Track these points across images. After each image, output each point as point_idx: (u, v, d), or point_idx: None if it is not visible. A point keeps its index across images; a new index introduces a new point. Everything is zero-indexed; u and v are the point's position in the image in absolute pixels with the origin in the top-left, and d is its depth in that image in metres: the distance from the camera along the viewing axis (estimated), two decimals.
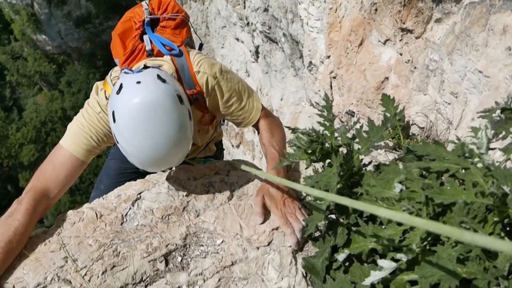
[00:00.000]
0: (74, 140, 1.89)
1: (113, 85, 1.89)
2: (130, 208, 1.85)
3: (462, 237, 0.98)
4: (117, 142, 1.73)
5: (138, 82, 1.67)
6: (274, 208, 1.79)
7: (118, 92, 1.68)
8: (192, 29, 2.25)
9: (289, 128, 1.78)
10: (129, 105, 1.63)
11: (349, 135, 1.84)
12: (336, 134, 1.76)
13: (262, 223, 1.78)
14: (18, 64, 32.48)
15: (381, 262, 1.50)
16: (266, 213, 1.81)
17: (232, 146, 7.28)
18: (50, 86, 31.96)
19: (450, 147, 1.77)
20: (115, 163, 2.57)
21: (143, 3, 2.14)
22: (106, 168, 2.64)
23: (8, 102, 32.43)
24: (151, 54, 2.00)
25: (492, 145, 1.74)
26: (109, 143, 2.01)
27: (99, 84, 2.01)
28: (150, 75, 1.71)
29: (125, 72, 1.81)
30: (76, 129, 1.91)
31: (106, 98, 1.90)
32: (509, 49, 1.71)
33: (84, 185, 26.80)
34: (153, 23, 2.09)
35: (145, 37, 2.03)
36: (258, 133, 2.15)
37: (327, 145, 1.70)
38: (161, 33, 2.07)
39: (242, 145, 6.94)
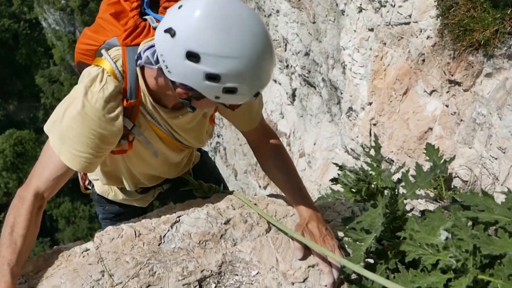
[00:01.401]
0: (58, 142, 1.66)
1: (115, 62, 1.67)
2: (168, 230, 1.86)
3: None
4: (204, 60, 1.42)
5: None
6: (314, 245, 1.74)
7: (179, 7, 1.46)
8: None
9: (336, 165, 1.78)
10: (200, 11, 1.40)
11: (394, 179, 1.83)
12: (384, 177, 1.76)
13: (302, 259, 1.75)
14: (54, 88, 33.52)
15: None
16: (306, 249, 1.78)
17: (259, 187, 7.27)
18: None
19: (498, 201, 1.74)
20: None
21: None
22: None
23: (40, 124, 33.31)
24: None
25: None
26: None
27: (92, 68, 1.69)
28: None
29: None
30: (59, 131, 1.65)
31: (101, 81, 1.65)
32: None
33: None
34: (152, 4, 1.84)
35: (148, 16, 1.78)
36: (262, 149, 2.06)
37: (373, 185, 1.70)
38: (164, 14, 1.77)
39: (269, 187, 6.94)
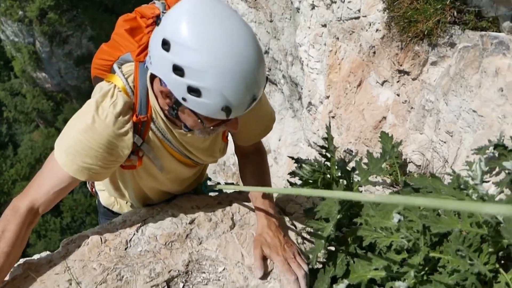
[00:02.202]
0: (65, 154, 1.63)
1: (126, 79, 1.69)
2: (134, 234, 1.89)
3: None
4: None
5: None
6: (275, 256, 1.76)
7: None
8: None
9: (292, 158, 1.85)
10: (185, 5, 1.40)
11: (349, 168, 1.91)
12: (338, 166, 1.83)
13: (262, 277, 1.74)
14: (16, 101, 32.73)
15: None
16: (265, 265, 1.78)
17: None
18: (47, 123, 32.13)
19: (446, 182, 1.83)
20: None
21: (155, 1, 1.90)
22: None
23: (3, 138, 32.50)
24: None
25: (488, 180, 1.81)
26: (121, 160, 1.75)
27: (104, 83, 1.71)
28: None
29: None
30: (68, 144, 1.64)
31: (112, 96, 1.66)
32: (501, 90, 1.82)
33: (75, 224, 26.53)
34: None
35: None
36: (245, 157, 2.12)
37: (328, 175, 1.77)
38: None
39: None
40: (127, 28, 1.80)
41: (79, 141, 1.61)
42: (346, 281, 1.66)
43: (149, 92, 1.69)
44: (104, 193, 2.28)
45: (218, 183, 2.20)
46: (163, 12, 1.80)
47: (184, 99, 1.45)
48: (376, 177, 2.34)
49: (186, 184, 2.17)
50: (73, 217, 26.30)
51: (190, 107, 1.48)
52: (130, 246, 1.85)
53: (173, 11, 1.42)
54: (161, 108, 1.71)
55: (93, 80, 1.97)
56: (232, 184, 2.19)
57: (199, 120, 1.55)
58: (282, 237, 1.81)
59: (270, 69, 5.48)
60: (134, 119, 1.69)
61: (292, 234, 1.95)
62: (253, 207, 1.98)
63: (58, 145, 1.66)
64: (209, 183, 2.23)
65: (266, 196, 1.93)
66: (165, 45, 1.40)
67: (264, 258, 1.78)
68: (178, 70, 1.39)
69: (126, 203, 2.25)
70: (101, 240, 1.85)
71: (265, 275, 1.74)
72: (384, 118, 2.64)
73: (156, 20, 1.78)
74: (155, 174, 1.94)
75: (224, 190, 2.29)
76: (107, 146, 1.63)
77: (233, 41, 1.37)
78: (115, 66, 1.73)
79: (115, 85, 1.67)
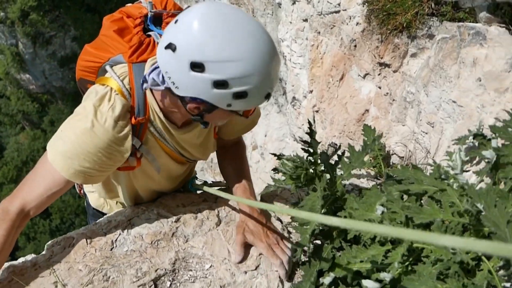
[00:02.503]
0: (62, 158, 1.61)
1: (122, 81, 1.66)
2: (120, 234, 1.89)
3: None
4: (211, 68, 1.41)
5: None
6: (259, 242, 1.80)
7: (176, 22, 1.46)
8: None
9: (274, 155, 1.85)
10: (203, 10, 1.41)
11: (332, 161, 1.92)
12: (320, 161, 1.84)
13: (240, 262, 1.78)
14: (0, 103, 32.35)
15: (365, 282, 1.55)
16: (245, 252, 1.81)
17: None
18: (33, 125, 31.80)
19: (428, 172, 1.86)
20: None
21: (142, 0, 1.91)
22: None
23: None
24: None
25: (469, 170, 1.84)
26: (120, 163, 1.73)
27: (98, 87, 1.68)
28: None
29: None
30: (65, 147, 1.60)
31: (110, 100, 1.64)
32: (479, 80, 1.84)
33: (65, 226, 26.35)
34: (155, 20, 1.85)
35: (152, 32, 1.78)
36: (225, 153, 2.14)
37: (311, 170, 1.78)
38: None
39: None
40: (115, 29, 1.77)
41: (78, 146, 1.58)
42: (332, 274, 1.68)
43: (147, 94, 1.69)
44: (94, 195, 2.27)
45: (205, 182, 2.21)
46: (150, 12, 1.82)
47: (229, 105, 1.49)
48: (360, 170, 2.36)
49: (177, 181, 2.18)
50: (62, 218, 26.08)
51: (233, 109, 1.53)
52: (116, 246, 1.85)
53: (187, 30, 1.41)
54: (160, 109, 1.72)
55: (78, 82, 1.95)
56: (220, 183, 2.19)
57: (232, 114, 1.61)
58: (264, 224, 1.84)
59: None
60: (133, 122, 1.68)
61: (278, 229, 1.97)
62: (237, 203, 2.00)
63: (53, 148, 1.63)
64: (196, 182, 2.23)
65: (247, 186, 1.96)
66: (198, 67, 1.40)
67: (245, 245, 1.81)
68: (220, 85, 1.42)
69: (116, 203, 2.24)
70: (87, 241, 1.85)
71: (241, 261, 1.78)
72: (367, 111, 2.66)
73: (144, 20, 1.80)
74: (151, 174, 1.94)
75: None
76: (106, 150, 1.61)
77: (258, 39, 1.42)
78: (108, 68, 1.71)
79: (111, 88, 1.64)
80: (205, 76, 1.41)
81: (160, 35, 1.71)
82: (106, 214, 2.25)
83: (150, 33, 1.79)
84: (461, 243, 0.68)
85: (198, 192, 2.24)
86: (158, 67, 1.56)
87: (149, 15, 1.82)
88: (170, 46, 1.43)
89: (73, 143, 1.58)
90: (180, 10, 1.89)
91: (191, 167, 2.21)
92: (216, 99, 1.47)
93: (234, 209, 2.07)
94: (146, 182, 2.00)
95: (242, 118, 1.86)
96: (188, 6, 1.51)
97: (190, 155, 1.97)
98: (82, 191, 2.38)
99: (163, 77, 1.53)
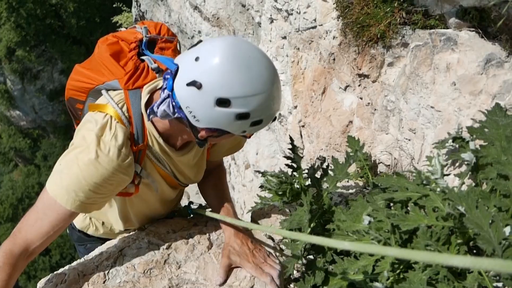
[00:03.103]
0: (66, 192, 1.60)
1: (120, 108, 1.69)
2: (112, 266, 1.88)
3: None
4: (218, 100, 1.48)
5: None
6: (246, 263, 1.81)
7: (197, 59, 1.50)
8: None
9: (259, 172, 1.87)
10: (223, 47, 1.49)
11: (318, 175, 1.94)
12: (305, 176, 1.86)
13: (222, 284, 1.80)
14: None
15: None
16: (229, 273, 1.84)
17: None
18: (26, 161, 31.66)
19: (412, 179, 1.87)
20: None
21: (136, 26, 1.96)
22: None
23: None
24: (159, 71, 1.81)
25: (450, 173, 1.86)
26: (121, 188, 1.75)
27: (96, 115, 1.67)
28: None
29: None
30: (69, 180, 1.60)
31: (111, 129, 1.64)
32: (454, 84, 1.87)
33: (65, 261, 26.07)
34: (149, 45, 1.90)
35: (146, 57, 1.83)
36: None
37: (296, 185, 1.79)
38: (161, 55, 1.88)
39: None
40: (111, 53, 1.80)
41: (82, 178, 1.59)
42: None
43: (144, 120, 1.72)
44: (79, 215, 2.20)
45: (201, 205, 2.22)
46: (146, 37, 1.88)
47: (243, 131, 1.58)
48: (348, 181, 2.37)
49: (170, 206, 2.19)
50: (61, 254, 25.81)
51: (247, 133, 1.63)
52: (109, 278, 1.84)
53: (211, 68, 1.47)
54: (160, 134, 1.75)
55: (67, 101, 1.97)
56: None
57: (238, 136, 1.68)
58: (250, 244, 1.85)
59: None
60: (133, 149, 1.70)
61: (269, 247, 1.97)
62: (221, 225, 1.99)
63: (54, 184, 1.62)
64: (192, 206, 2.23)
65: (229, 206, 1.98)
66: (224, 103, 1.47)
67: (230, 267, 1.83)
68: (243, 117, 1.51)
69: (102, 224, 2.21)
70: (79, 276, 1.84)
71: (223, 284, 1.80)
72: (351, 122, 2.69)
73: (139, 45, 1.85)
74: (147, 199, 1.96)
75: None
76: (112, 179, 1.63)
77: (271, 72, 1.53)
78: (105, 93, 1.74)
79: (111, 116, 1.66)
80: (230, 110, 1.48)
81: (154, 60, 1.81)
82: (91, 236, 2.25)
83: (143, 57, 1.83)
84: (469, 263, 0.70)
85: (189, 217, 2.24)
86: (166, 97, 1.59)
87: (144, 40, 1.87)
88: (195, 84, 1.47)
89: (77, 175, 1.58)
90: (173, 36, 1.98)
91: (181, 192, 2.23)
92: (235, 128, 1.56)
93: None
94: (141, 207, 2.01)
95: (231, 139, 1.91)
96: (200, 41, 1.59)
97: (184, 178, 1.99)
98: None
99: (173, 107, 1.57)
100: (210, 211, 2.05)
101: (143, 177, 1.82)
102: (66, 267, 1.92)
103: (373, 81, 2.44)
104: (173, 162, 1.86)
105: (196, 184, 2.18)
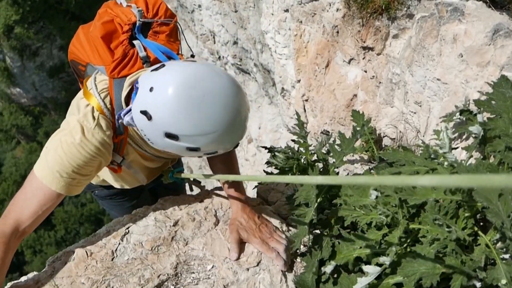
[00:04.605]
0: (51, 172, 1.64)
1: (103, 100, 1.71)
2: (119, 243, 1.89)
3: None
4: (167, 135, 1.51)
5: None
6: (253, 238, 1.82)
7: (151, 90, 1.50)
8: (183, 36, 2.03)
9: (265, 148, 1.86)
10: (179, 79, 1.47)
11: (324, 150, 1.93)
12: (312, 151, 1.85)
13: (237, 258, 1.82)
14: None
15: (366, 268, 1.56)
16: (241, 247, 1.85)
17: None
18: (28, 138, 31.69)
19: (418, 153, 1.86)
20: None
21: (132, 4, 1.89)
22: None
23: None
24: (147, 61, 1.79)
25: (458, 146, 1.84)
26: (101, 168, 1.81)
27: (81, 102, 1.72)
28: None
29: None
30: (54, 162, 1.64)
31: (94, 118, 1.68)
32: (461, 56, 1.84)
33: (70, 236, 26.36)
34: (144, 27, 1.85)
35: (137, 43, 1.79)
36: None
37: (303, 160, 1.78)
38: (154, 40, 1.85)
39: None
40: (102, 35, 1.77)
41: (66, 160, 1.63)
42: (333, 263, 1.69)
43: None
44: None
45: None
46: (139, 21, 1.82)
47: (200, 156, 1.66)
48: (353, 156, 2.37)
49: (160, 171, 2.26)
50: (66, 229, 26.07)
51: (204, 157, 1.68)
52: (117, 256, 1.86)
53: (161, 104, 1.46)
54: None
55: (70, 62, 2.01)
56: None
57: None
58: (257, 219, 1.87)
59: (241, 59, 5.47)
60: (114, 140, 1.75)
61: (276, 222, 1.98)
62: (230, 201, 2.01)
63: (41, 165, 1.67)
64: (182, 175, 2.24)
65: (236, 182, 1.98)
66: (173, 137, 1.50)
67: (241, 241, 1.84)
68: (193, 150, 1.54)
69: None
70: (87, 254, 1.85)
71: (239, 258, 1.83)
72: (355, 95, 2.66)
73: (132, 28, 1.81)
74: (133, 173, 2.04)
75: (203, 183, 2.33)
76: (93, 161, 1.69)
77: (228, 109, 1.50)
78: (92, 82, 1.75)
79: (92, 107, 1.69)
80: (179, 144, 1.52)
81: (144, 47, 1.79)
82: (111, 186, 2.29)
83: (134, 42, 1.80)
84: (436, 181, 0.71)
85: (193, 193, 2.25)
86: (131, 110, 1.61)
87: (137, 24, 1.82)
88: (146, 114, 1.50)
89: (62, 158, 1.63)
90: (171, 17, 1.93)
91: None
92: (188, 155, 1.63)
93: (231, 207, 2.08)
94: (129, 178, 2.11)
95: None
96: (163, 65, 1.56)
97: (168, 154, 1.98)
98: None
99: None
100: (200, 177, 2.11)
101: (125, 167, 1.90)
102: (74, 245, 1.94)
103: (378, 54, 2.41)
104: (153, 148, 1.87)
105: (197, 159, 2.22)
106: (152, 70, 1.56)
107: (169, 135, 1.49)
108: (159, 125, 1.49)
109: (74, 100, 1.77)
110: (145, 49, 1.79)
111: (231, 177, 1.83)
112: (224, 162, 2.09)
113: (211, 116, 1.47)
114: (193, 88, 1.46)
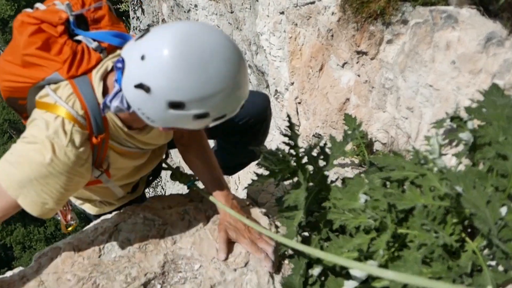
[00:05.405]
0: (18, 186, 1.50)
1: (72, 107, 1.51)
2: (107, 241, 1.88)
3: None
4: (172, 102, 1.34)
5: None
6: (242, 238, 1.81)
7: (143, 58, 1.33)
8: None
9: (256, 149, 1.86)
10: (173, 41, 1.31)
11: (315, 153, 1.93)
12: (302, 153, 1.85)
13: (226, 259, 1.80)
14: None
15: (353, 271, 1.56)
16: (229, 248, 1.83)
17: None
18: (20, 133, 31.27)
19: (409, 158, 1.87)
20: None
21: (55, 2, 1.66)
22: None
23: None
24: (102, 50, 1.61)
25: (448, 152, 1.85)
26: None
27: (46, 116, 1.51)
28: None
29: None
30: (21, 179, 1.49)
31: (65, 133, 1.50)
32: (454, 63, 1.85)
33: (60, 232, 26.19)
34: (79, 21, 1.64)
35: (81, 37, 1.61)
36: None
37: (293, 163, 1.78)
38: (97, 28, 1.67)
39: None
40: (38, 46, 1.55)
41: (34, 178, 1.49)
42: (320, 266, 1.69)
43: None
44: (87, 205, 2.20)
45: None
46: (71, 15, 1.62)
47: (206, 126, 1.48)
48: (344, 159, 2.37)
49: (152, 162, 2.08)
50: (56, 225, 25.94)
51: (209, 126, 1.49)
52: (104, 253, 1.85)
53: (159, 70, 1.31)
54: (122, 121, 1.64)
55: (6, 100, 1.75)
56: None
57: None
58: (246, 219, 1.84)
59: None
60: (94, 142, 1.59)
61: (265, 224, 1.97)
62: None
63: (6, 173, 1.50)
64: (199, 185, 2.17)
65: (220, 180, 1.94)
66: (178, 106, 1.35)
67: (229, 242, 1.83)
68: (202, 116, 1.39)
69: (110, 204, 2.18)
70: (74, 250, 1.84)
71: (227, 258, 1.81)
72: (348, 99, 2.67)
73: (67, 26, 1.61)
74: (124, 168, 1.90)
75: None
76: (66, 184, 1.54)
77: (232, 64, 1.36)
78: (51, 93, 1.54)
79: (62, 118, 1.50)
80: (186, 112, 1.37)
81: (92, 39, 1.61)
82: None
83: (79, 37, 1.62)
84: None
85: (184, 192, 2.24)
86: (118, 91, 1.44)
87: (71, 19, 1.62)
88: (142, 87, 1.34)
89: (29, 176, 1.49)
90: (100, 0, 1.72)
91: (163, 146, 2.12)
92: (195, 126, 1.46)
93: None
94: (120, 176, 1.94)
95: None
96: (148, 29, 1.39)
97: (154, 145, 1.92)
98: (68, 218, 2.12)
99: (127, 102, 1.44)
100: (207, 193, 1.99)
101: (104, 182, 1.78)
102: (61, 241, 1.92)
103: (372, 58, 2.42)
104: (139, 141, 1.77)
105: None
106: (136, 40, 1.39)
107: (173, 105, 1.34)
108: (160, 96, 1.33)
109: (35, 113, 1.56)
110: (93, 41, 1.61)
111: (249, 223, 1.78)
112: (200, 158, 2.02)
113: (216, 73, 1.32)
114: (189, 45, 1.30)
